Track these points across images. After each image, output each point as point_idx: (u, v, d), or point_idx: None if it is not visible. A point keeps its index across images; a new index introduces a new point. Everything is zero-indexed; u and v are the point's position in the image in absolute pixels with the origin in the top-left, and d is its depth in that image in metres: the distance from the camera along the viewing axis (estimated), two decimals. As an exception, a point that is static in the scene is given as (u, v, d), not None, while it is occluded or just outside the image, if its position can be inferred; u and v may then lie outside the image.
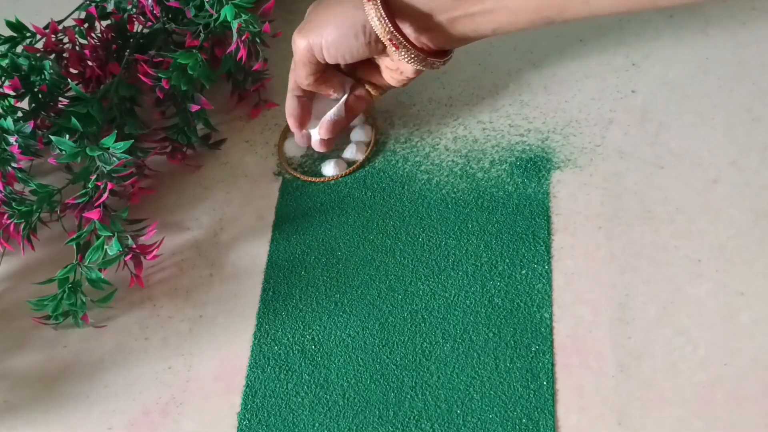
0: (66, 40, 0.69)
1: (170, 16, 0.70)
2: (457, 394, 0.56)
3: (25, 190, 0.65)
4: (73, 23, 0.70)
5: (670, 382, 0.54)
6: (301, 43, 0.60)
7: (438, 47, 0.60)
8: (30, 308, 0.62)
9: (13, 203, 0.63)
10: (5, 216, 0.63)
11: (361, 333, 0.59)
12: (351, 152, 0.68)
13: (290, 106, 0.65)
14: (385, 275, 0.62)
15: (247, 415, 0.57)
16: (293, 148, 0.69)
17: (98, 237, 0.61)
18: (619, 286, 0.58)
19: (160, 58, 0.67)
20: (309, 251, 0.64)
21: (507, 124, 0.68)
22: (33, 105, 0.66)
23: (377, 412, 0.56)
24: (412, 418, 0.56)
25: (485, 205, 0.64)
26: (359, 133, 0.69)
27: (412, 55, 0.59)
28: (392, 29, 0.57)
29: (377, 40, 0.59)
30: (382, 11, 0.57)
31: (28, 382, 0.61)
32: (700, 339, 0.55)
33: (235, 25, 0.64)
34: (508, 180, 0.65)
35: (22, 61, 0.66)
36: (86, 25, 0.70)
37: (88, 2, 0.72)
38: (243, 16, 0.64)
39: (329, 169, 0.67)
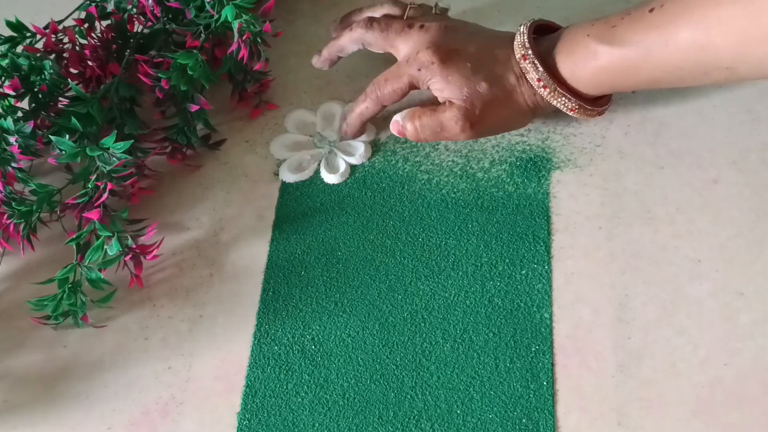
0: (66, 40, 0.69)
1: (170, 16, 0.70)
2: (457, 394, 0.56)
3: (25, 190, 0.65)
4: (73, 23, 0.70)
5: (670, 382, 0.54)
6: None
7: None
8: (30, 308, 0.62)
9: (13, 203, 0.63)
10: (5, 216, 0.63)
11: (361, 333, 0.59)
12: (352, 149, 0.68)
13: (368, 113, 0.66)
14: (385, 275, 0.62)
15: (246, 415, 0.57)
16: (279, 150, 0.69)
17: (98, 237, 0.61)
18: (619, 286, 0.58)
19: (161, 59, 0.67)
20: (309, 251, 0.64)
21: (507, 124, 0.68)
22: (33, 105, 0.66)
23: (377, 412, 0.56)
24: (412, 418, 0.56)
25: (485, 205, 0.64)
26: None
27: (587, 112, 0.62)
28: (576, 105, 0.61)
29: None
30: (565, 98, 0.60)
31: (28, 382, 0.61)
32: (700, 339, 0.55)
33: (236, 25, 0.64)
34: (508, 180, 0.64)
35: (22, 61, 0.66)
36: (86, 25, 0.70)
37: (88, 2, 0.72)
38: (244, 16, 0.64)
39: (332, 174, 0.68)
